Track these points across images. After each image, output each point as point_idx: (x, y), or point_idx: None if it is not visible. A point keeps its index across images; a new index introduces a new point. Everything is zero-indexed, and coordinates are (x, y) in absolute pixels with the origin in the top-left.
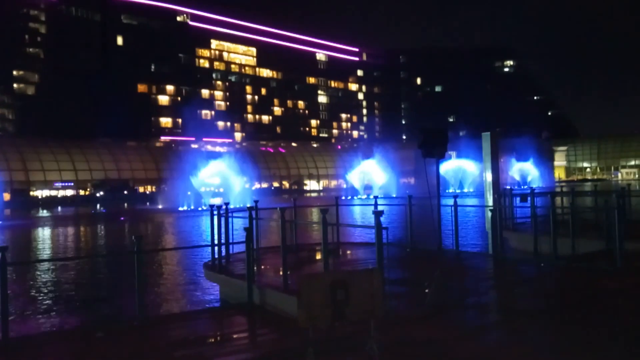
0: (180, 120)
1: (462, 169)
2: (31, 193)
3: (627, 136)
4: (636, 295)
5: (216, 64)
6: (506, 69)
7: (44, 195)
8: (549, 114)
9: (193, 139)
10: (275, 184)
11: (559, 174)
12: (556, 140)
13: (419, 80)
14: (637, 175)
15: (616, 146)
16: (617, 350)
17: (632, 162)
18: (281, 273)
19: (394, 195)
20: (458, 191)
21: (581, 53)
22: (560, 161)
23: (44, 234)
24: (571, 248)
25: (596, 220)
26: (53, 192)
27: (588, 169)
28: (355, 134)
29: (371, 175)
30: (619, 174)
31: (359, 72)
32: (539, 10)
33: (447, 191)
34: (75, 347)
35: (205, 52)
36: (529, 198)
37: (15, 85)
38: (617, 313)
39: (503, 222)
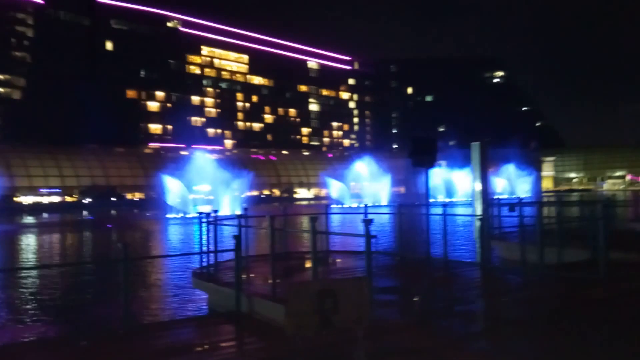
0: (170, 127)
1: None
2: (15, 199)
3: (612, 147)
4: (621, 305)
5: (207, 70)
6: (495, 80)
7: (29, 202)
8: (537, 124)
9: (183, 145)
10: (266, 192)
11: (547, 184)
12: (544, 150)
13: (409, 90)
14: (622, 186)
15: (602, 157)
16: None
17: (618, 173)
18: (270, 281)
19: (384, 204)
20: (447, 200)
21: (568, 65)
22: (547, 171)
23: (28, 240)
24: (557, 257)
25: (582, 230)
26: (38, 198)
27: (575, 179)
28: (346, 142)
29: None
30: (604, 185)
31: (351, 81)
32: (528, 23)
33: (434, 200)
34: (60, 356)
35: (196, 59)
36: (516, 207)
37: (0, 89)
38: (603, 322)
39: (491, 231)
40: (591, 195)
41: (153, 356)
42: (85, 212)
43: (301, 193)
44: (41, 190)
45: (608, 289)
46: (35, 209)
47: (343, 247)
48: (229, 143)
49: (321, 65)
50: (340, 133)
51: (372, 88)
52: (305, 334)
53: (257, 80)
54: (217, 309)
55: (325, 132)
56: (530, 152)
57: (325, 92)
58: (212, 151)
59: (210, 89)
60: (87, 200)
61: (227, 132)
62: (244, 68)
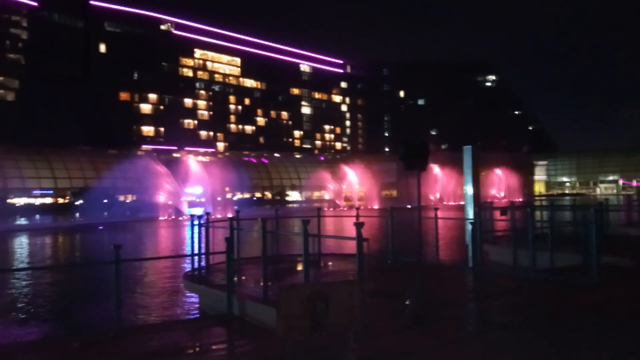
0: (162, 129)
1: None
2: (8, 200)
3: (605, 152)
4: (612, 309)
5: (200, 73)
6: (488, 84)
7: (22, 203)
8: (530, 128)
9: (175, 148)
10: (258, 195)
11: (539, 188)
12: (536, 154)
13: (402, 93)
14: (614, 190)
15: (595, 161)
16: None
17: (610, 178)
18: (261, 284)
19: (376, 207)
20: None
21: (561, 69)
22: (540, 175)
23: (21, 241)
24: (549, 262)
25: (574, 234)
26: (31, 200)
27: (567, 184)
28: (338, 145)
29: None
30: (598, 189)
31: (343, 84)
32: (520, 27)
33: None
34: (51, 357)
35: (189, 61)
36: (508, 211)
37: None
38: (593, 327)
39: (483, 235)
40: (584, 200)
41: (144, 358)
42: (77, 214)
43: (293, 196)
44: (34, 192)
45: (599, 294)
46: (28, 210)
47: (335, 250)
48: (221, 146)
49: (313, 68)
50: (332, 136)
51: (364, 91)
52: (296, 336)
53: (249, 83)
54: (208, 311)
55: (317, 135)
56: (522, 156)
57: (317, 95)
58: (205, 154)
59: (202, 92)
60: (79, 202)
61: (220, 135)
62: (237, 71)
